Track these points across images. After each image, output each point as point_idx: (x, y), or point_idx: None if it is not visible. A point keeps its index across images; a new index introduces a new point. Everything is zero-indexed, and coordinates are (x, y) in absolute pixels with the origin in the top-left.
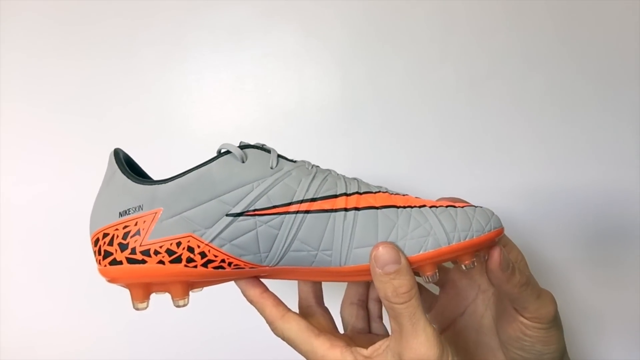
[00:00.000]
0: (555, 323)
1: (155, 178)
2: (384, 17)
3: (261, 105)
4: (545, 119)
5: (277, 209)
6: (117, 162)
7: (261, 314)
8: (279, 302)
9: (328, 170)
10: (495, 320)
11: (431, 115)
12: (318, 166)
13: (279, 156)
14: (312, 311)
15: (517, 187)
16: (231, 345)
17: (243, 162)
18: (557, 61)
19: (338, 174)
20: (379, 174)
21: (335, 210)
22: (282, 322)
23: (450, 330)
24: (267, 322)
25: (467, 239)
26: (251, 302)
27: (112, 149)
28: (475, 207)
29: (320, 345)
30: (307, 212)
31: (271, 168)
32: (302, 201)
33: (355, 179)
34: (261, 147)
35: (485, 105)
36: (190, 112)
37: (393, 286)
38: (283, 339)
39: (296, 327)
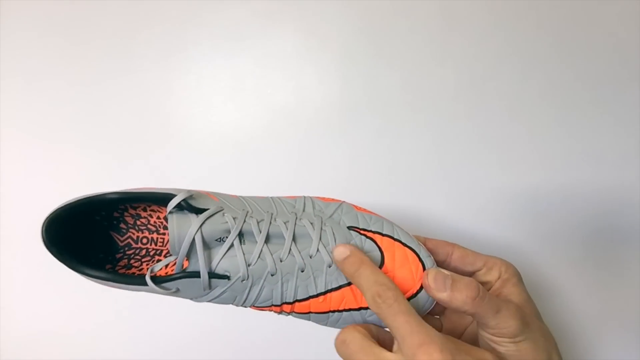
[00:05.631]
0: (526, 336)
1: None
2: (384, 17)
3: (261, 105)
4: (544, 120)
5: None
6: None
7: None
8: None
9: (267, 271)
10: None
11: (430, 115)
12: (253, 268)
13: (210, 276)
14: None
15: (517, 188)
16: (231, 345)
17: (175, 292)
18: (556, 63)
19: (279, 275)
20: (379, 174)
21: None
22: None
23: None
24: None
25: None
26: None
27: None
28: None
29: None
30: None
31: (204, 290)
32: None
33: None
34: (188, 274)
35: (485, 106)
36: (190, 112)
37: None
38: None
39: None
